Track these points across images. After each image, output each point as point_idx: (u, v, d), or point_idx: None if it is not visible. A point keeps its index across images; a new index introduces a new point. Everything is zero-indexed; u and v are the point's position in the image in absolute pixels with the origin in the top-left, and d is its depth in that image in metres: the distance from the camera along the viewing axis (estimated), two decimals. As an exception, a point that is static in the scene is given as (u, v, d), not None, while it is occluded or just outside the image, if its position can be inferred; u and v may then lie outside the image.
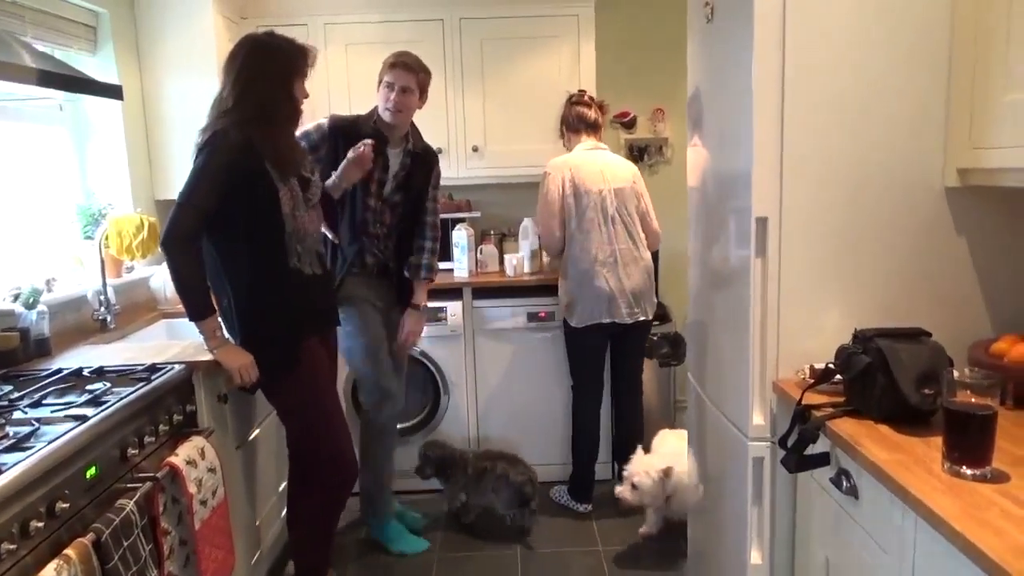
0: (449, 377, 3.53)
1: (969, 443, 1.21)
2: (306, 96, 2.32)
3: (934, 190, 1.71)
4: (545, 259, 3.75)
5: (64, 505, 1.52)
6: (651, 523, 3.05)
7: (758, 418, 1.80)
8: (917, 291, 1.74)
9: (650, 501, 2.87)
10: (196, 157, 2.15)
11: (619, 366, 3.32)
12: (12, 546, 1.35)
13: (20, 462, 1.45)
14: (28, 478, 1.44)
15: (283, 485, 2.89)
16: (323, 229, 2.78)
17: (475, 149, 3.73)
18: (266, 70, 2.20)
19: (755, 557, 1.84)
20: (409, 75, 2.75)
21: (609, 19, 3.80)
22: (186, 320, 3.00)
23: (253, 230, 2.21)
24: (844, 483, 1.48)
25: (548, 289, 3.52)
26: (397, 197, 2.88)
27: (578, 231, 3.11)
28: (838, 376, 1.56)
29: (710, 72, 2.05)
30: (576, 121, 3.24)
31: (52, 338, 2.40)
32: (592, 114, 3.23)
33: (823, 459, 1.54)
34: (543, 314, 3.53)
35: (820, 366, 1.65)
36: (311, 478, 2.44)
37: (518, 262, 3.65)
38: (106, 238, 2.77)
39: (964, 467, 1.21)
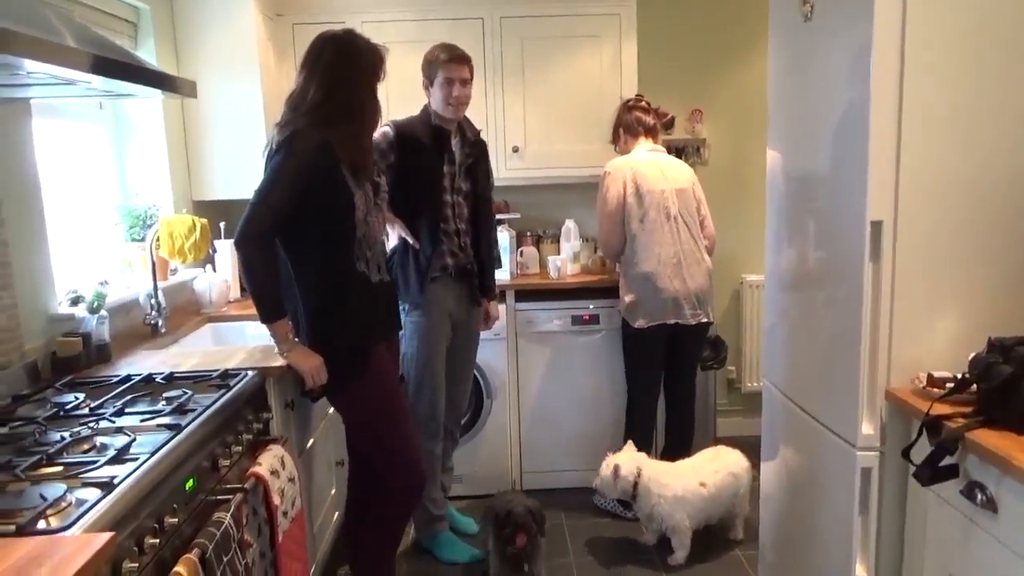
0: (492, 381, 3.48)
1: None
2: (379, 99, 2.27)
3: (1054, 194, 1.68)
4: (570, 264, 3.69)
5: (172, 520, 1.45)
6: (685, 548, 2.96)
7: (867, 427, 1.76)
8: (1034, 299, 1.71)
9: (604, 491, 2.96)
10: (275, 155, 2.08)
11: (675, 369, 3.28)
12: (133, 564, 1.29)
13: (130, 475, 1.39)
14: (140, 492, 1.37)
15: (332, 493, 2.84)
16: (403, 234, 2.75)
17: (515, 149, 3.68)
18: (351, 72, 2.14)
19: (860, 571, 1.81)
20: (465, 67, 2.75)
21: (649, 19, 3.76)
22: (232, 325, 3.02)
23: (326, 233, 2.15)
24: (979, 496, 1.44)
25: (592, 291, 3.49)
26: (467, 186, 2.87)
27: (641, 231, 3.08)
28: (973, 386, 1.51)
29: (806, 72, 2.01)
30: (635, 124, 3.24)
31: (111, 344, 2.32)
32: (651, 119, 3.25)
33: (953, 471, 1.50)
34: (587, 316, 3.49)
35: (941, 374, 1.62)
36: (378, 488, 2.38)
37: (561, 264, 3.60)
38: (157, 240, 2.69)
39: None
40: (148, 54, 3.06)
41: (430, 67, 2.76)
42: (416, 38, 3.46)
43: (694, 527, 2.92)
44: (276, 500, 1.88)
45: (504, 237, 3.60)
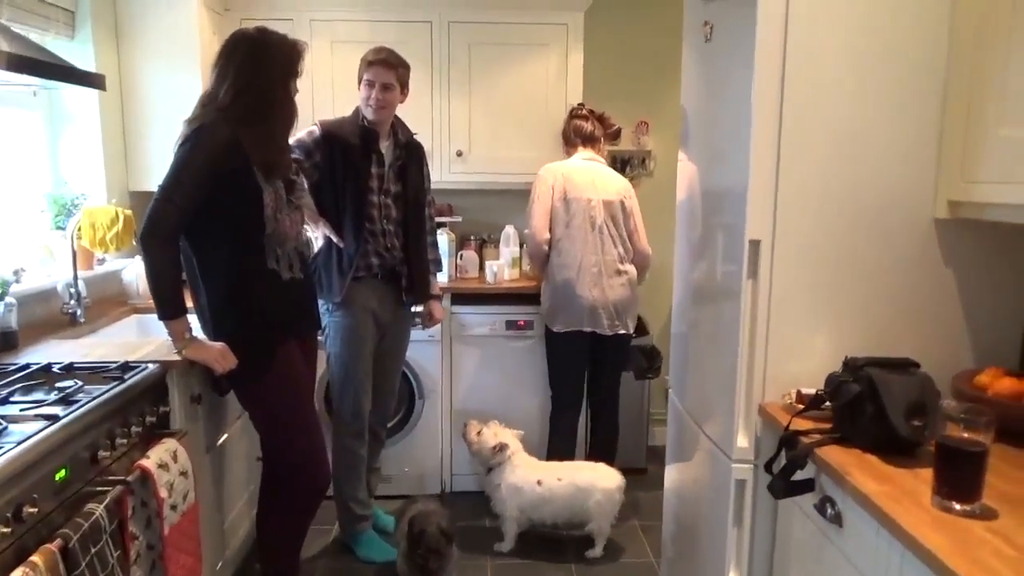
0: (425, 383, 3.49)
1: (960, 478, 1.22)
2: (296, 92, 2.28)
3: (924, 221, 1.73)
4: (525, 266, 3.74)
5: (32, 510, 1.46)
6: (509, 538, 3.06)
7: (742, 440, 1.80)
8: (904, 320, 1.76)
9: (475, 452, 3.12)
10: (179, 149, 2.09)
11: (597, 378, 3.32)
12: (-23, 552, 1.30)
13: (-12, 463, 1.39)
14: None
15: (251, 489, 2.84)
16: (327, 232, 2.75)
17: (459, 154, 3.70)
18: (263, 69, 2.15)
19: (733, 578, 1.85)
20: (389, 71, 2.74)
21: (597, 29, 3.80)
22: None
23: (233, 230, 2.15)
24: (829, 510, 1.48)
25: (528, 297, 3.52)
26: (397, 188, 2.87)
27: (565, 238, 3.11)
28: (827, 403, 1.56)
29: (706, 90, 2.06)
30: (573, 133, 3.27)
31: (19, 331, 2.31)
32: (589, 127, 3.26)
33: (808, 485, 1.54)
34: (522, 323, 3.52)
35: (808, 391, 1.66)
36: (283, 483, 2.39)
37: (498, 269, 3.63)
38: (79, 229, 2.69)
39: (954, 502, 1.22)
40: (84, 43, 3.06)
41: (360, 67, 2.78)
42: (366, 38, 3.47)
43: (525, 523, 3.04)
44: (163, 493, 1.89)
45: (443, 240, 3.62)
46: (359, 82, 2.78)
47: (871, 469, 1.39)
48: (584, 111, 3.32)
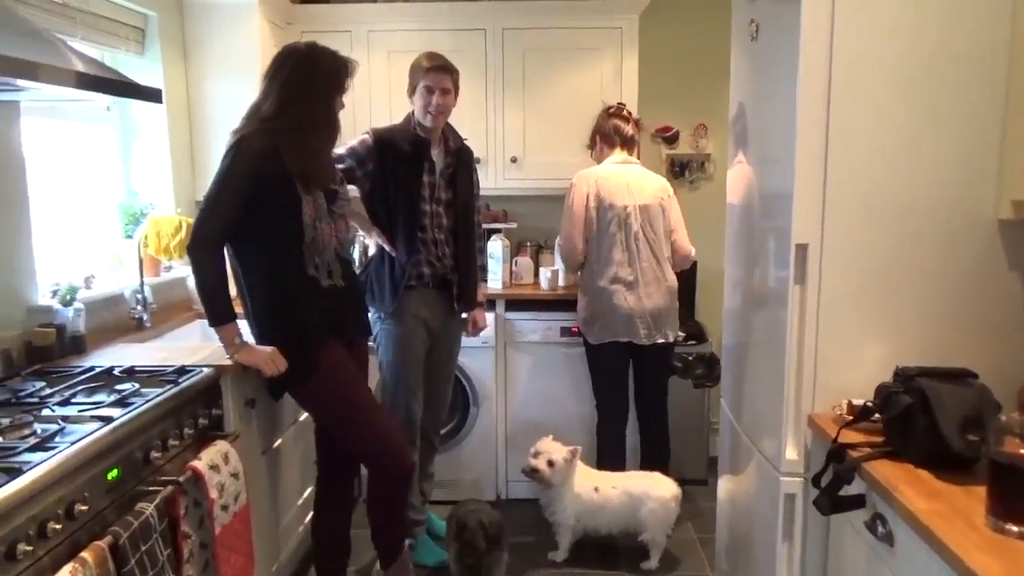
0: (479, 389, 3.50)
1: (1016, 498, 1.14)
2: (342, 107, 2.32)
3: (986, 222, 1.63)
4: (561, 277, 3.70)
5: (83, 507, 1.52)
6: (563, 547, 3.01)
7: (791, 453, 1.73)
8: (964, 328, 1.66)
9: (558, 480, 2.94)
10: (222, 160, 2.16)
11: (640, 387, 3.25)
12: (28, 547, 1.36)
13: (42, 462, 1.46)
14: (48, 480, 1.44)
15: (307, 491, 2.90)
16: (380, 241, 2.79)
17: (514, 160, 3.70)
18: (308, 84, 2.20)
19: (783, 598, 1.78)
20: (446, 76, 2.76)
21: (653, 33, 3.74)
22: None
23: (273, 238, 2.21)
24: (879, 528, 1.41)
25: (581, 304, 3.48)
26: (448, 196, 2.88)
27: (599, 246, 3.06)
28: (876, 415, 1.48)
29: (754, 91, 2.00)
30: (612, 133, 3.18)
31: (88, 335, 2.42)
32: (629, 129, 3.18)
33: (859, 501, 1.47)
34: (576, 328, 3.47)
35: (859, 402, 1.58)
36: (346, 488, 2.45)
37: (552, 275, 3.60)
38: (145, 237, 2.81)
39: (1009, 523, 1.14)
40: (153, 59, 3.19)
41: (413, 74, 2.80)
42: (420, 47, 3.47)
43: (581, 531, 2.98)
44: (213, 494, 1.94)
45: (498, 246, 3.63)
46: (411, 90, 2.80)
47: (922, 486, 1.32)
48: (625, 112, 3.25)
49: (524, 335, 3.52)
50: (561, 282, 3.66)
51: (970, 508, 1.23)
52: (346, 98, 2.42)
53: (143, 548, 1.64)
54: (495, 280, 3.62)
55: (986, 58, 1.59)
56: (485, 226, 3.63)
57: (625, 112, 3.25)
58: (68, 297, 2.32)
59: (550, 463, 2.92)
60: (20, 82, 1.80)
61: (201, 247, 2.12)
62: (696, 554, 3.11)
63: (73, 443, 1.57)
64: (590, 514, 2.95)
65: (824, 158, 1.63)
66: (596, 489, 2.95)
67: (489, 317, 3.43)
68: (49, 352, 2.28)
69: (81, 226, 2.88)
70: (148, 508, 1.68)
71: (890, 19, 1.60)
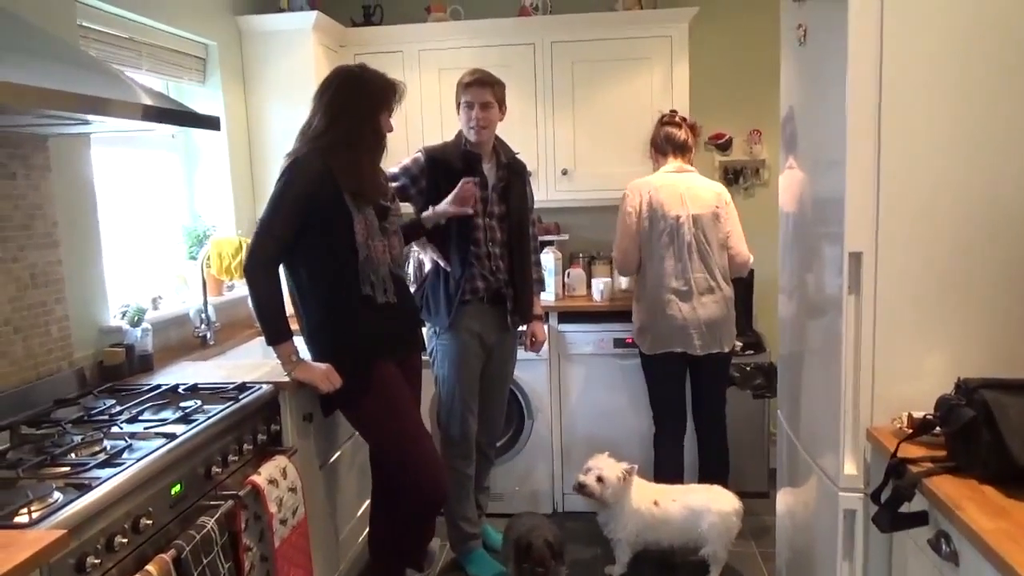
0: (534, 402, 3.50)
1: (1088, 516, 1.08)
2: (390, 130, 2.37)
3: (1051, 225, 1.56)
4: (622, 283, 3.68)
5: (148, 522, 1.58)
6: (621, 562, 2.94)
7: (850, 467, 1.68)
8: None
9: (610, 496, 2.87)
10: (277, 182, 2.23)
11: (698, 399, 3.20)
12: (96, 560, 1.42)
13: (110, 478, 1.53)
14: (116, 495, 1.51)
15: (365, 504, 2.95)
16: (435, 257, 2.83)
17: (565, 172, 3.71)
18: (355, 102, 2.26)
19: (845, 616, 1.72)
20: (485, 90, 2.79)
21: (703, 40, 3.71)
22: None
23: (327, 257, 2.26)
24: (944, 547, 1.35)
25: (635, 315, 3.45)
26: (501, 210, 2.90)
27: (653, 256, 3.03)
28: (937, 429, 1.43)
29: (803, 95, 1.96)
30: (664, 142, 3.15)
31: (156, 354, 2.53)
32: (681, 135, 3.13)
33: (921, 518, 1.42)
34: (630, 340, 3.45)
35: (920, 415, 1.53)
36: (401, 496, 2.47)
37: (605, 286, 3.59)
38: (208, 258, 2.91)
39: (1081, 543, 1.08)
40: (214, 87, 3.32)
41: (456, 92, 2.84)
42: (470, 64, 3.53)
43: (640, 546, 2.92)
44: (272, 508, 1.99)
45: (550, 259, 3.63)
46: (457, 107, 2.84)
47: (987, 503, 1.26)
48: (677, 118, 3.21)
49: (578, 347, 3.51)
50: (623, 286, 3.64)
51: (1040, 527, 1.17)
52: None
53: (205, 561, 1.69)
54: (547, 293, 3.62)
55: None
56: (540, 239, 3.66)
57: (677, 119, 3.21)
58: (136, 318, 2.43)
59: (599, 479, 2.89)
60: (90, 116, 1.89)
61: (257, 268, 2.19)
62: (757, 569, 3.04)
63: (139, 459, 1.63)
64: (650, 529, 2.91)
65: (876, 163, 1.59)
66: (656, 503, 2.91)
67: (543, 329, 3.44)
68: (119, 371, 2.39)
69: (148, 249, 3.01)
70: (209, 522, 1.73)
71: (941, 18, 1.55)
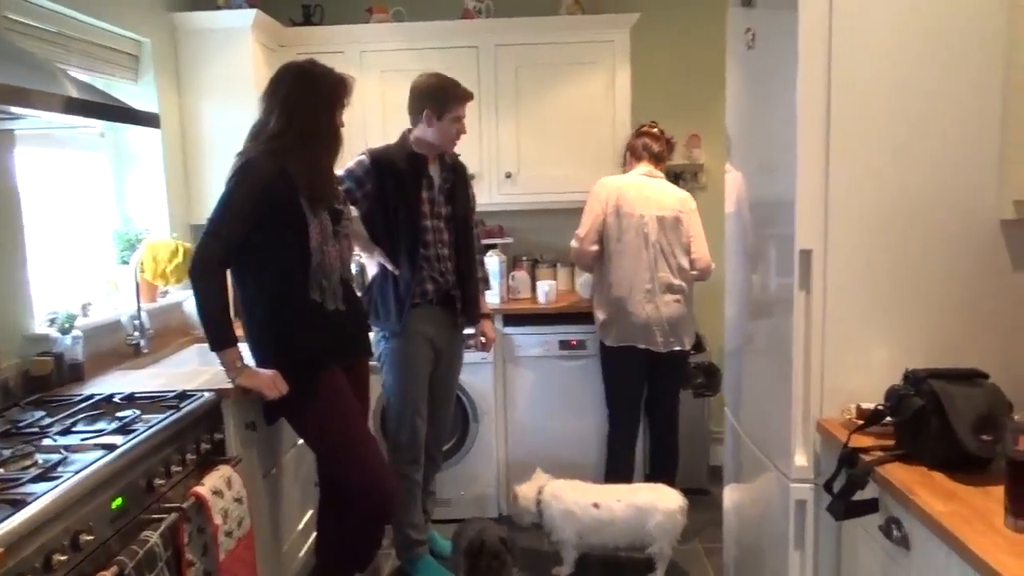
0: (479, 405, 3.48)
1: (1035, 497, 1.13)
2: (342, 126, 2.32)
3: (988, 223, 1.64)
4: (579, 286, 3.70)
5: (88, 537, 1.50)
6: (568, 563, 2.96)
7: (801, 459, 1.73)
8: (970, 329, 1.66)
9: (530, 517, 2.98)
10: (227, 183, 2.15)
11: (654, 397, 3.25)
12: (35, 580, 1.33)
13: (45, 493, 1.44)
14: (53, 510, 1.42)
15: (309, 515, 2.87)
16: (383, 261, 2.78)
17: (508, 175, 3.71)
18: (310, 99, 2.20)
19: (797, 606, 1.76)
20: (467, 103, 2.81)
21: (645, 45, 3.76)
22: None
23: (279, 261, 2.19)
24: (895, 532, 1.40)
25: (581, 317, 3.47)
26: (447, 211, 2.88)
27: (617, 253, 3.08)
28: (888, 419, 1.47)
29: (751, 99, 2.01)
30: (641, 149, 3.25)
31: (86, 363, 2.40)
32: (657, 146, 3.24)
33: (872, 505, 1.46)
34: (575, 342, 3.48)
35: (868, 406, 1.58)
36: (348, 507, 2.41)
37: (551, 288, 3.60)
38: (141, 263, 2.79)
39: (1029, 523, 1.13)
40: (148, 86, 3.19)
41: (445, 100, 2.76)
42: (413, 66, 3.50)
43: (584, 547, 2.94)
44: (217, 520, 1.92)
45: (495, 261, 3.62)
46: (437, 115, 2.75)
47: (938, 488, 1.31)
48: (655, 130, 3.31)
49: (523, 350, 3.51)
50: (579, 288, 3.67)
51: (988, 509, 1.22)
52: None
53: (149, 577, 1.61)
54: (493, 296, 3.61)
55: (983, 61, 1.60)
56: (483, 242, 3.64)
57: (656, 131, 3.31)
58: (66, 325, 2.30)
59: (514, 496, 2.95)
60: (15, 109, 1.79)
61: (203, 270, 2.10)
62: (701, 564, 3.09)
63: (76, 472, 1.55)
64: (593, 530, 2.92)
65: (825, 163, 1.64)
66: (596, 505, 2.91)
67: (488, 332, 3.43)
68: (47, 381, 2.26)
69: (76, 254, 2.86)
70: (153, 536, 1.65)
71: (887, 24, 1.61)
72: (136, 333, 2.75)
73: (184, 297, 3.24)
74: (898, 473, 1.37)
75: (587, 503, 2.92)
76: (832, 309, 1.68)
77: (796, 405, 1.72)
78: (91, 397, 2.12)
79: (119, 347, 2.73)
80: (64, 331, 2.30)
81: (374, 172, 2.78)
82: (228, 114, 3.35)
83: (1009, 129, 1.60)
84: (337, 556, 2.51)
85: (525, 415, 3.53)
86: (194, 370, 2.57)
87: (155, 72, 3.21)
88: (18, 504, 1.39)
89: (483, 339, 3.11)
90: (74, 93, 1.93)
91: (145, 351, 2.77)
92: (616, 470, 3.20)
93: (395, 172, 2.77)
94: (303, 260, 2.19)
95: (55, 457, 1.63)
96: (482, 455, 3.51)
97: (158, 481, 1.80)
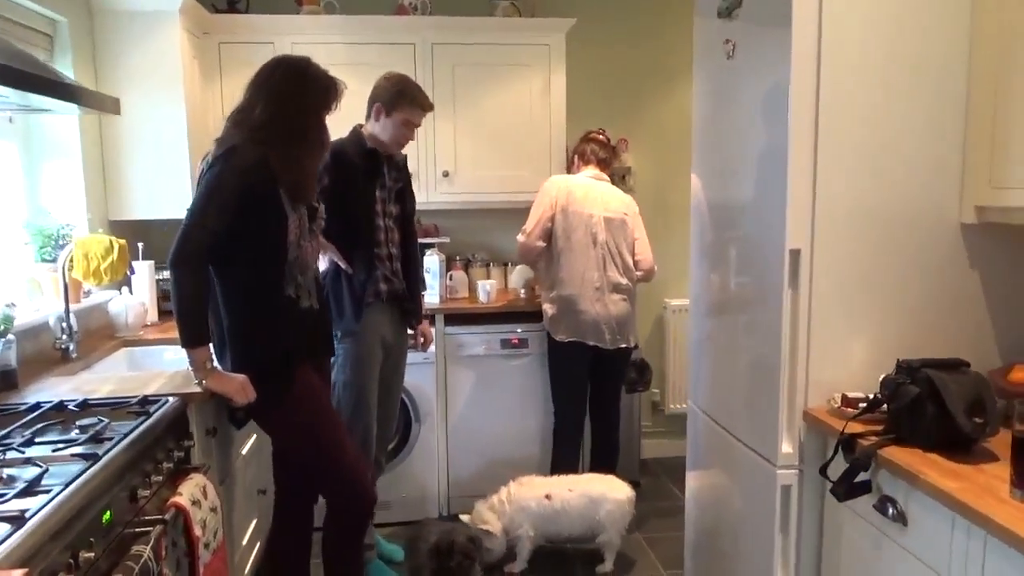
0: (421, 405, 3.45)
1: (1040, 470, 1.27)
2: (325, 131, 2.24)
3: (951, 226, 1.81)
4: (519, 287, 3.74)
5: (89, 555, 1.38)
6: (522, 559, 3.03)
7: (787, 446, 1.84)
8: (934, 323, 1.83)
9: (500, 544, 2.99)
10: (209, 170, 2.03)
11: (599, 392, 3.34)
12: (46, 604, 1.22)
13: (44, 507, 1.31)
14: (56, 525, 1.30)
15: (255, 523, 2.75)
16: (335, 259, 2.70)
17: (445, 174, 3.70)
18: (300, 96, 2.11)
19: (781, 585, 1.87)
20: (425, 114, 2.79)
21: (578, 50, 3.85)
22: (149, 349, 2.92)
23: (255, 255, 2.10)
24: (890, 510, 1.52)
25: (521, 315, 3.52)
26: (396, 211, 2.86)
27: (566, 251, 3.14)
28: (883, 406, 1.60)
29: (728, 106, 2.11)
30: (589, 153, 3.34)
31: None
32: (604, 152, 3.36)
33: (866, 487, 1.58)
34: (516, 340, 3.51)
35: (855, 395, 1.70)
36: (331, 509, 2.35)
37: (491, 287, 3.62)
38: (70, 261, 2.58)
39: (1035, 493, 1.27)
40: (65, 69, 2.93)
41: (395, 101, 2.70)
42: (347, 61, 3.42)
43: (541, 539, 3.01)
44: (197, 531, 1.81)
45: (434, 261, 3.60)
46: (386, 111, 2.71)
47: (940, 467, 1.44)
48: (603, 137, 3.43)
49: (465, 349, 3.51)
50: (520, 289, 3.71)
51: (990, 484, 1.35)
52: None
53: (144, 595, 1.51)
54: (432, 295, 3.59)
55: (948, 75, 1.77)
56: (419, 241, 3.61)
57: (603, 137, 3.42)
58: (3, 328, 2.10)
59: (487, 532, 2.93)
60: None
61: (189, 264, 1.97)
62: (646, 555, 3.20)
63: (66, 484, 1.42)
64: (549, 521, 2.97)
65: (813, 171, 1.76)
66: (548, 496, 2.98)
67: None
68: (-23, 389, 2.05)
69: (-11, 249, 2.61)
70: (145, 551, 1.55)
71: (869, 43, 1.75)
72: (64, 336, 2.54)
73: (107, 297, 3.02)
74: (900, 456, 1.50)
75: (538, 495, 2.96)
76: (816, 306, 1.80)
77: (782, 396, 1.82)
78: (38, 406, 1.93)
79: (46, 351, 2.52)
80: (0, 334, 2.09)
81: (333, 167, 2.69)
82: (151, 101, 3.15)
83: (970, 141, 1.77)
84: (339, 563, 2.43)
85: (468, 414, 3.54)
86: (145, 375, 2.40)
87: (73, 54, 2.97)
88: (17, 521, 1.26)
89: (423, 339, 3.09)
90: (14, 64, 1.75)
91: (74, 356, 2.55)
92: (562, 463, 3.26)
93: (351, 168, 2.71)
94: (278, 255, 2.10)
95: (33, 470, 1.49)
96: (424, 456, 3.49)
97: (141, 492, 1.68)
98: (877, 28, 1.75)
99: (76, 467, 1.51)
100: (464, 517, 3.04)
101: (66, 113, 2.41)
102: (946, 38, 1.76)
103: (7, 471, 1.52)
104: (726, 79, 2.10)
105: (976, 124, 1.75)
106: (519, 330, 3.51)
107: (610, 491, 2.98)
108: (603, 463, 3.34)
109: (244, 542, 2.65)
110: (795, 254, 1.77)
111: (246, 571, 2.65)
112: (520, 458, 3.51)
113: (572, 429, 3.30)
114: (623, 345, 3.22)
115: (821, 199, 1.77)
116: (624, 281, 3.19)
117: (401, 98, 2.71)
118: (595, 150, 3.34)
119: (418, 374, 3.40)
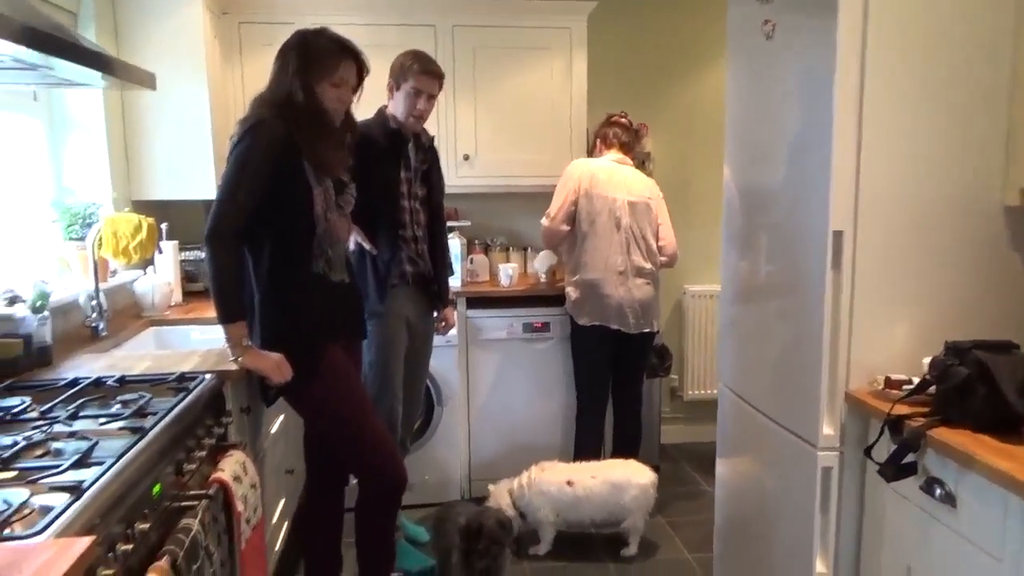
0: (443, 389, 3.45)
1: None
2: (324, 100, 2.16)
3: (995, 209, 1.80)
4: (540, 271, 3.73)
5: (143, 526, 1.39)
6: (546, 541, 3.06)
7: (828, 428, 1.84)
8: (977, 305, 1.83)
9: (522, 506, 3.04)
10: (236, 147, 2.03)
11: (622, 377, 3.34)
12: (108, 572, 1.22)
13: (100, 478, 1.32)
14: (112, 496, 1.31)
15: (282, 503, 2.76)
16: (360, 240, 2.69)
17: (466, 157, 3.69)
18: (311, 67, 2.10)
19: (820, 566, 1.88)
20: (435, 82, 2.72)
21: (600, 34, 3.83)
22: (175, 329, 2.92)
23: (283, 228, 2.10)
24: (938, 491, 1.52)
25: (544, 299, 3.52)
26: (423, 192, 2.84)
27: (591, 234, 3.14)
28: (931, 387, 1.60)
29: (766, 90, 2.09)
30: (612, 136, 3.33)
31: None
32: (626, 135, 3.34)
33: (912, 468, 1.58)
34: (539, 324, 3.51)
35: (899, 377, 1.70)
36: (363, 487, 2.37)
37: (513, 271, 3.62)
38: (99, 239, 2.58)
39: (1093, 473, 1.27)
40: (88, 45, 2.92)
41: (402, 72, 2.70)
42: (368, 42, 3.34)
43: (561, 525, 3.03)
44: (239, 507, 1.82)
45: (455, 245, 3.59)
46: (395, 87, 2.71)
47: (992, 448, 1.43)
48: (626, 120, 3.41)
49: (487, 332, 3.51)
50: (541, 276, 3.68)
51: (1042, 464, 1.36)
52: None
53: (195, 567, 1.51)
54: (454, 279, 3.57)
55: (993, 66, 1.76)
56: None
57: (625, 121, 3.39)
58: (39, 304, 2.10)
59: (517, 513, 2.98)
60: None
61: (225, 239, 1.98)
62: (670, 538, 3.21)
63: (118, 456, 1.42)
64: (570, 507, 2.99)
65: (857, 152, 1.75)
66: (570, 483, 2.98)
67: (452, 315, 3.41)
68: (13, 366, 2.05)
69: (12, 227, 2.60)
70: (194, 524, 1.55)
71: (914, 23, 1.74)
72: (95, 315, 2.54)
73: (133, 277, 3.02)
74: (951, 437, 1.49)
75: (560, 481, 2.97)
76: (859, 287, 1.80)
77: (824, 378, 1.82)
78: (76, 381, 1.94)
79: (76, 330, 2.52)
80: (36, 310, 2.09)
81: (356, 146, 2.68)
82: (175, 81, 3.12)
83: (1015, 123, 1.76)
84: (320, 548, 2.44)
85: (490, 398, 3.54)
86: (179, 353, 2.39)
87: (96, 30, 2.96)
88: (75, 491, 1.26)
89: (443, 323, 3.08)
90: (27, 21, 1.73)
91: (104, 334, 2.56)
92: (585, 448, 3.27)
93: (375, 149, 2.70)
94: (306, 229, 2.10)
95: (83, 443, 1.49)
96: (447, 439, 3.49)
97: (187, 466, 1.69)
98: (923, 8, 1.73)
99: (123, 441, 1.52)
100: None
101: (96, 86, 2.39)
102: (992, 18, 1.74)
103: (55, 444, 1.53)
104: (764, 62, 2.08)
105: (1021, 105, 1.74)
106: (542, 314, 3.51)
107: (634, 476, 2.99)
108: (626, 448, 3.34)
109: (274, 521, 2.66)
110: (838, 236, 1.77)
111: (275, 549, 2.67)
112: (542, 442, 3.52)
113: (594, 414, 3.30)
114: (646, 329, 3.22)
115: (864, 180, 1.76)
116: (648, 265, 3.19)
117: (407, 67, 2.70)
118: (618, 133, 3.33)
119: (441, 357, 3.39)
